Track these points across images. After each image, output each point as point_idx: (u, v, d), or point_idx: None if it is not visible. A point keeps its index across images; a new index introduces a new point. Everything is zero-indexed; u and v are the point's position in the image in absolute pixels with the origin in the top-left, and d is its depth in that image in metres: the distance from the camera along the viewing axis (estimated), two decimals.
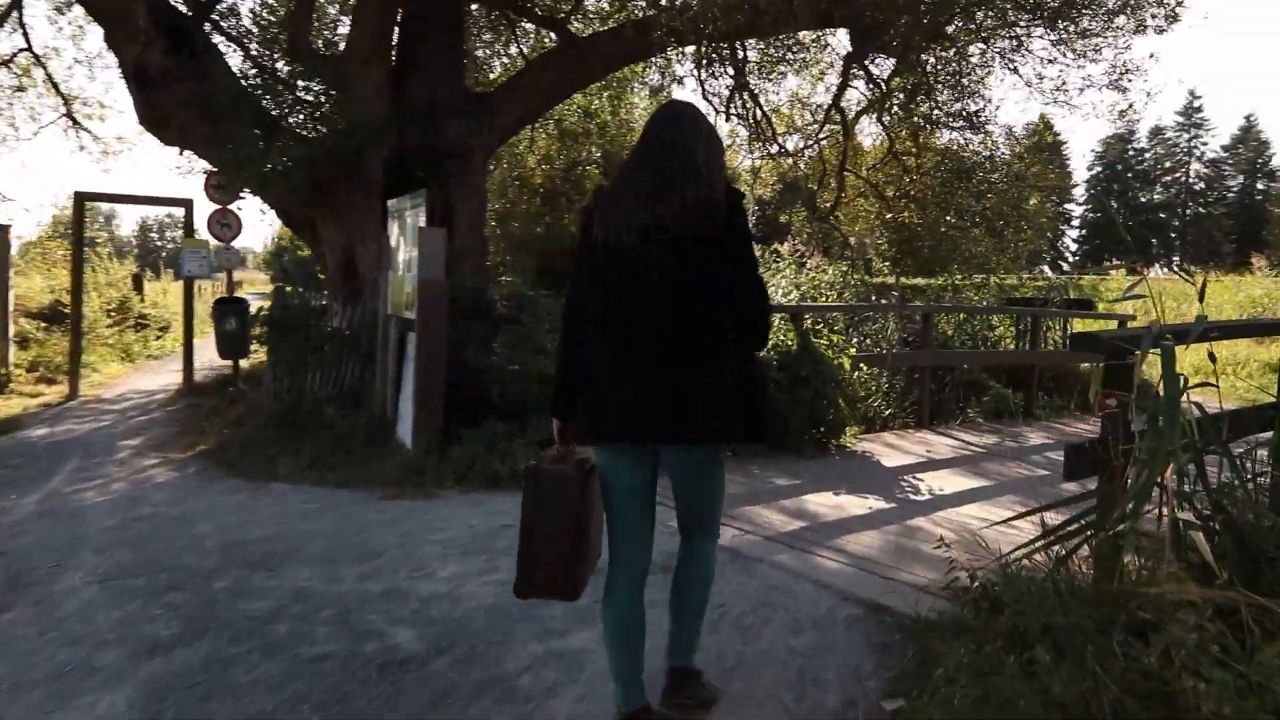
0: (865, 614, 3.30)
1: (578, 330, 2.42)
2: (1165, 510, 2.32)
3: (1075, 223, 72.36)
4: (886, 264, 16.58)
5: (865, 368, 7.60)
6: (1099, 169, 72.03)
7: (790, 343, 6.82)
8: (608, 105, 14.28)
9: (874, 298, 10.92)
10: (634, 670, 2.46)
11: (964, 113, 9.26)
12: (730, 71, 10.78)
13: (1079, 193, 72.39)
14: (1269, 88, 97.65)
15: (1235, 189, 68.25)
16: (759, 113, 13.08)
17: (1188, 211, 68.86)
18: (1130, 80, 9.18)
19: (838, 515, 4.78)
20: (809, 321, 7.70)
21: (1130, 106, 9.63)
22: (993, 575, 3.01)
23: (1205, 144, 69.51)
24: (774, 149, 13.25)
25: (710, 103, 11.36)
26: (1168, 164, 69.87)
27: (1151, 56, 9.50)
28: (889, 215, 10.83)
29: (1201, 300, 2.84)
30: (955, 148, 9.96)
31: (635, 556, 2.47)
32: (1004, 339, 10.50)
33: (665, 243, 2.28)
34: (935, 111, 9.96)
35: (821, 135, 11.39)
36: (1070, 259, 65.49)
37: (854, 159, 12.03)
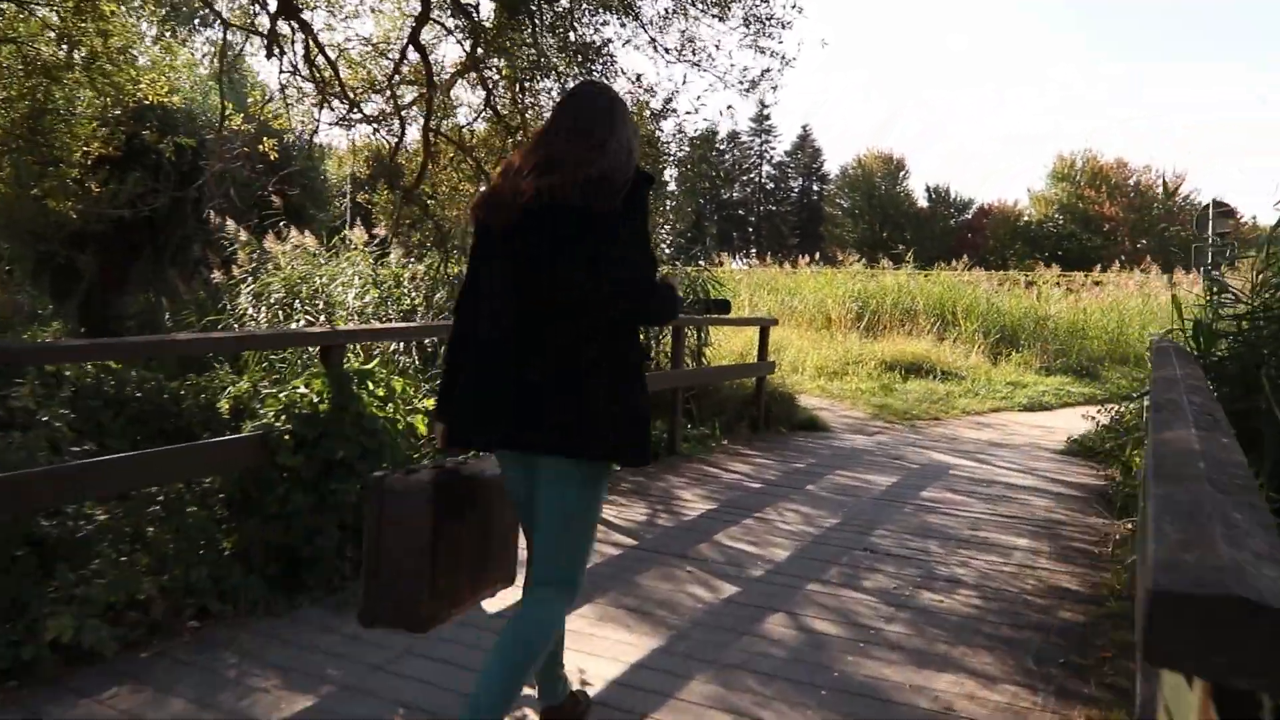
0: None
1: (465, 323, 2.31)
2: None
3: (669, 217, 77.17)
4: None
5: None
6: (688, 167, 77.16)
7: (316, 398, 3.90)
8: (95, 30, 10.06)
9: None
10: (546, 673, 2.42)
11: (579, 55, 6.94)
12: None
13: (672, 189, 77.20)
14: (817, 100, 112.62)
15: (797, 189, 77.33)
16: (321, 59, 9.81)
17: (761, 209, 76.76)
18: (771, 38, 7.56)
19: None
20: (355, 359, 4.90)
21: (765, 74, 8.05)
22: None
23: (773, 149, 77.73)
24: (346, 109, 10.07)
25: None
26: (744, 165, 77.13)
27: (795, 7, 7.96)
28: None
29: None
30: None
31: (530, 572, 2.28)
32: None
33: (551, 221, 2.13)
34: (541, 59, 7.59)
35: (398, 82, 8.52)
36: (667, 251, 69.64)
37: (447, 117, 9.33)
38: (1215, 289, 4.35)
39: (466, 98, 9.81)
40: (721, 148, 76.78)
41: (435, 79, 8.22)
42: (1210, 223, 16.24)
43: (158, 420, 5.31)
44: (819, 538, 4.78)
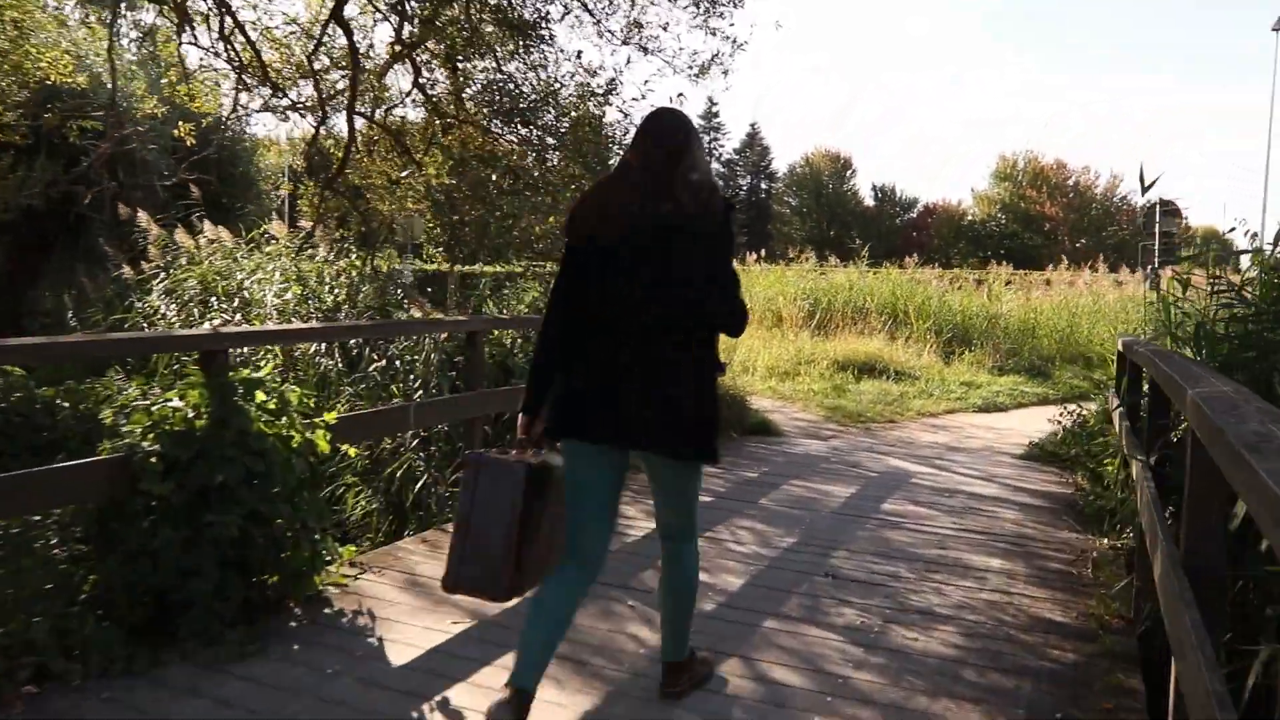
0: None
1: (557, 327, 2.49)
2: None
3: None
4: (440, 248, 13.37)
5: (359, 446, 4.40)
6: None
7: (191, 412, 3.31)
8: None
9: (410, 302, 7.69)
10: (531, 652, 2.45)
11: (517, 34, 6.40)
12: None
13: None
14: (773, 84, 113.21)
15: (745, 187, 77.40)
16: (241, 39, 9.15)
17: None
18: (722, 18, 7.11)
19: None
20: (271, 361, 4.31)
21: (715, 58, 7.60)
22: None
23: (722, 147, 77.69)
24: (270, 94, 9.40)
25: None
26: None
27: None
28: (420, 178, 7.58)
29: None
30: (505, 86, 7.11)
31: (582, 554, 2.53)
32: None
33: (655, 240, 2.36)
34: (475, 36, 7.02)
35: (324, 66, 7.87)
36: None
37: (382, 104, 8.68)
38: (1215, 287, 3.97)
39: (403, 84, 9.21)
40: None
41: (362, 60, 7.60)
42: (1157, 222, 16.27)
43: (27, 434, 4.63)
44: (775, 561, 4.32)
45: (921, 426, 9.24)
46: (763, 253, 23.50)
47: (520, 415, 2.59)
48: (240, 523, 3.22)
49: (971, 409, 10.41)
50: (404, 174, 7.61)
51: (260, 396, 3.51)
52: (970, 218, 61.16)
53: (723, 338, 2.59)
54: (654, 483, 2.64)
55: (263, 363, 5.14)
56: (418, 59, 7.88)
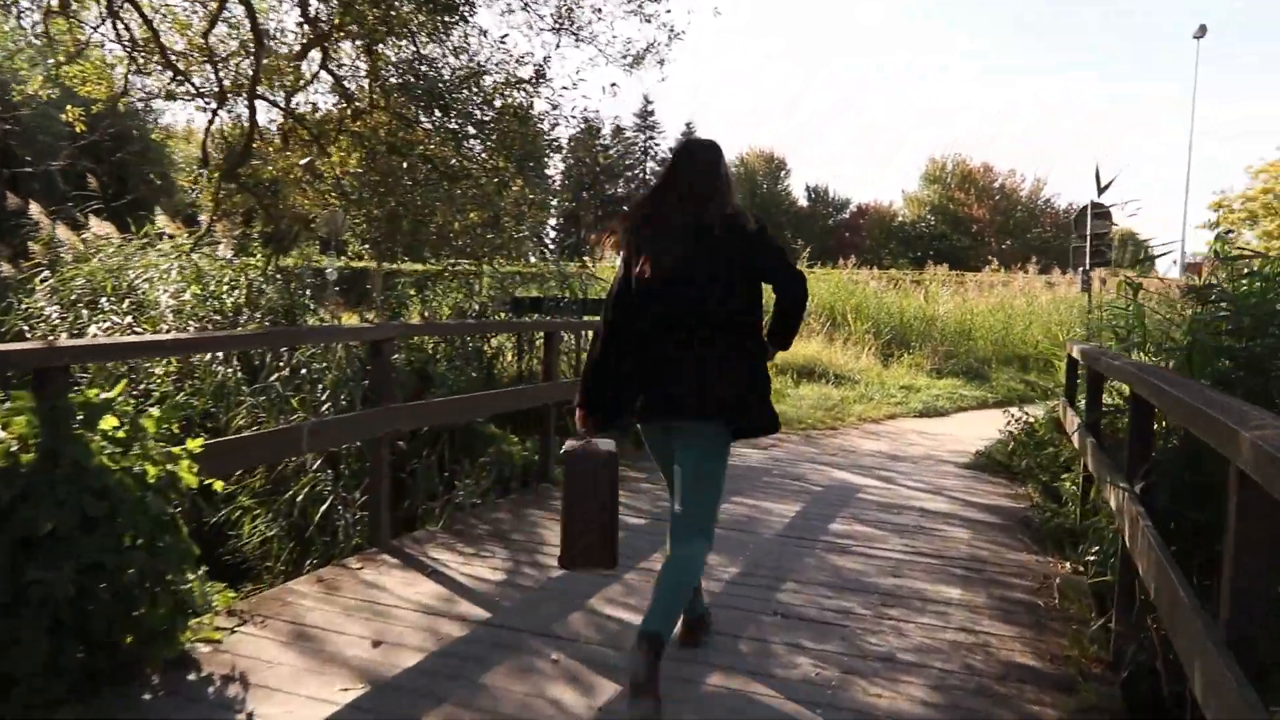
0: None
1: (618, 333, 2.92)
2: None
3: (554, 210, 76.24)
4: (367, 246, 12.55)
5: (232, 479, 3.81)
6: (572, 161, 76.34)
7: (15, 444, 2.72)
8: None
9: (323, 304, 7.05)
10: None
11: (436, 13, 5.85)
12: None
13: (551, 173, 76.22)
14: (704, 101, 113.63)
15: None
16: (136, 16, 8.42)
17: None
18: (658, 1, 6.66)
19: None
20: (164, 369, 3.68)
21: (651, 47, 7.16)
22: None
23: (658, 144, 77.53)
24: (170, 77, 8.65)
25: None
26: (628, 160, 76.62)
27: None
28: (326, 164, 6.93)
29: None
30: (422, 69, 6.52)
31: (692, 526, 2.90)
32: (506, 358, 7.42)
33: (702, 261, 2.80)
34: (392, 15, 6.43)
35: (218, 39, 7.18)
36: (550, 248, 68.31)
37: (297, 92, 7.99)
38: (1207, 296, 3.65)
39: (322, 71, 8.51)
40: (606, 142, 76.14)
41: (275, 44, 6.94)
42: (1088, 224, 16.39)
43: None
44: (719, 597, 3.89)
45: (863, 433, 8.96)
46: None
47: (578, 409, 3.05)
48: (76, 578, 2.65)
49: (912, 413, 10.19)
50: (303, 162, 6.94)
51: (109, 423, 2.93)
52: (901, 219, 62.06)
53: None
54: (681, 468, 2.89)
55: (158, 379, 4.49)
56: (332, 39, 7.26)
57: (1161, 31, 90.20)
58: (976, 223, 59.83)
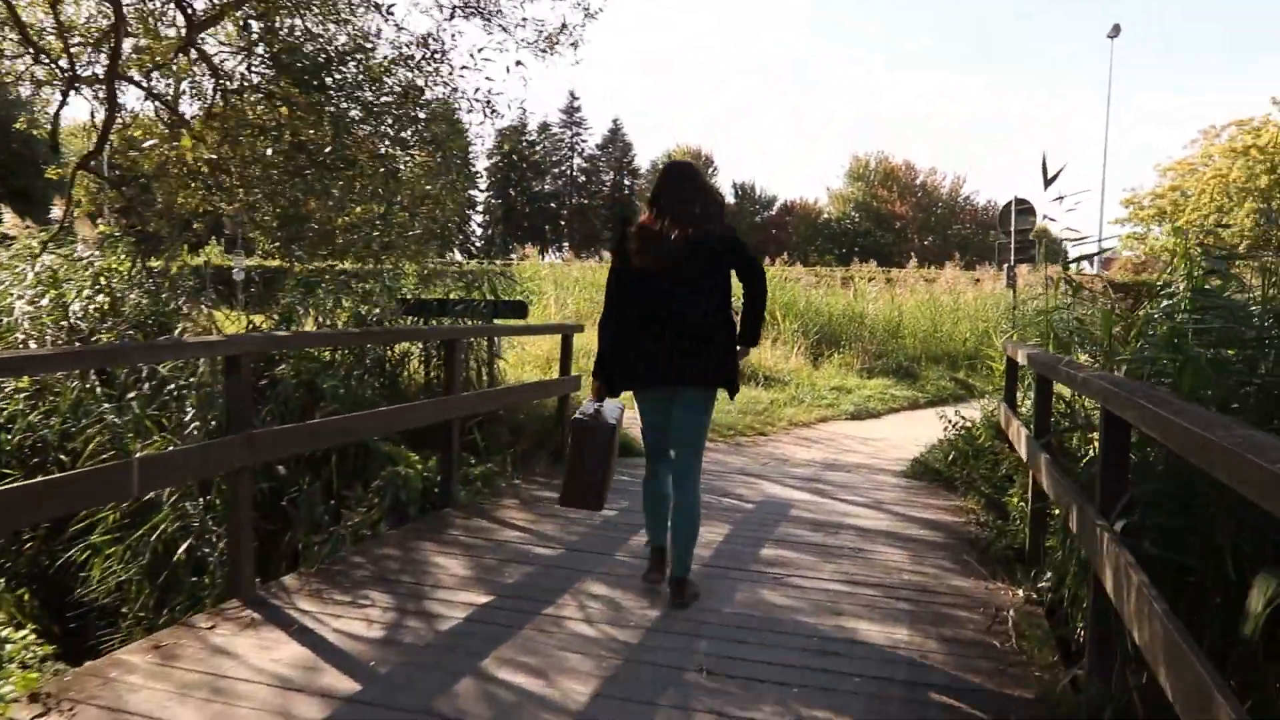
0: None
1: (616, 321, 3.74)
2: None
3: (480, 208, 74.93)
4: (276, 244, 11.56)
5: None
6: (498, 158, 75.18)
7: None
8: None
9: (189, 307, 6.27)
10: (659, 524, 3.88)
11: None
12: None
13: (481, 180, 74.97)
14: (630, 97, 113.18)
15: (608, 183, 76.70)
16: None
17: (573, 201, 75.63)
18: None
19: None
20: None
21: (565, 29, 6.58)
22: None
23: (585, 141, 76.90)
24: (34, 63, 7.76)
25: None
26: (554, 157, 75.67)
27: None
28: (189, 158, 6.11)
29: None
30: (296, 40, 5.81)
31: (659, 455, 3.86)
32: (412, 366, 6.76)
33: (687, 262, 3.59)
34: None
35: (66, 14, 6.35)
36: (477, 245, 66.93)
37: (185, 78, 7.15)
38: (1200, 302, 3.23)
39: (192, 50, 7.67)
40: (532, 138, 75.00)
41: (125, 10, 6.13)
42: (1012, 219, 16.37)
43: None
44: (634, 651, 3.35)
45: (794, 440, 8.55)
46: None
47: (594, 382, 3.83)
48: None
49: (844, 416, 9.85)
50: (171, 152, 6.15)
51: None
52: (826, 216, 62.64)
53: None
54: (674, 421, 3.74)
55: None
56: (220, 19, 6.49)
57: (1079, 31, 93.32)
58: (899, 219, 60.75)
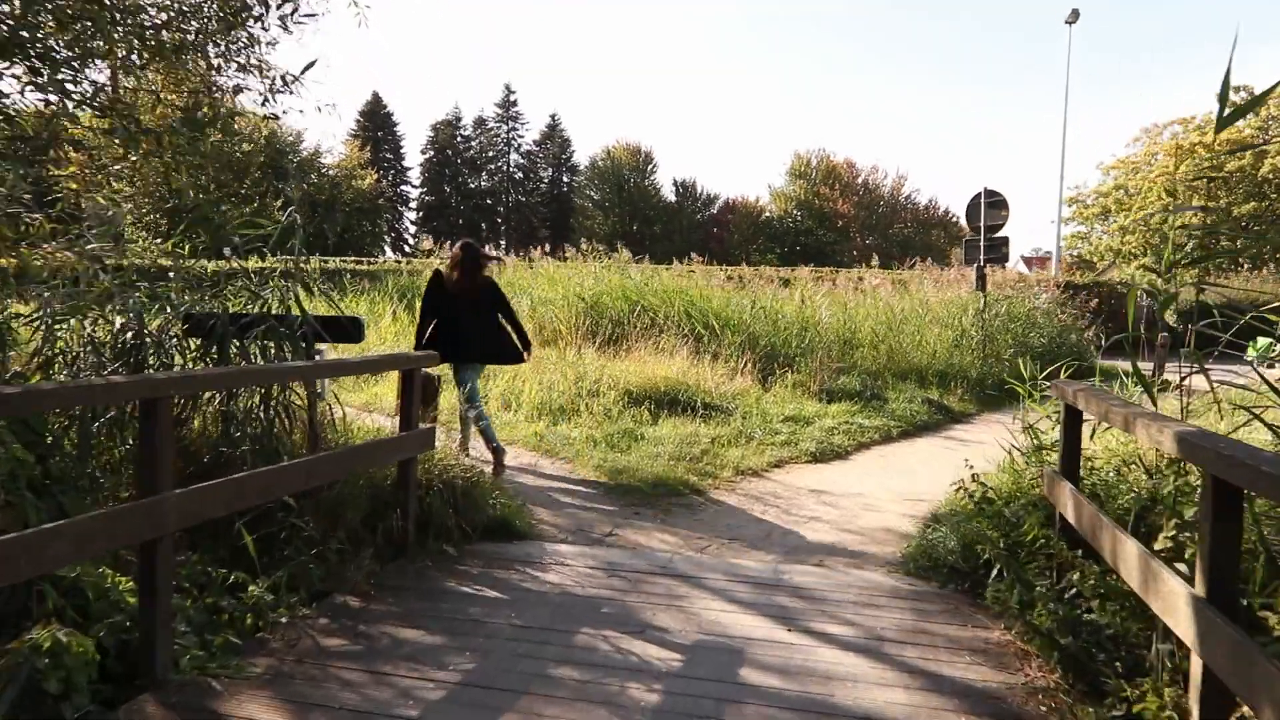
0: None
1: (428, 325, 6.34)
2: None
3: (413, 204, 71.96)
4: (159, 239, 9.02)
5: None
6: (432, 153, 72.27)
7: None
8: None
9: None
10: (489, 431, 6.74)
11: None
12: None
13: (414, 175, 72.05)
14: (570, 88, 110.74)
15: (547, 180, 74.13)
16: None
17: (510, 199, 72.90)
18: None
19: None
20: None
21: None
22: None
23: (521, 137, 74.32)
24: None
25: None
26: (490, 153, 72.87)
27: None
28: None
29: None
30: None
31: (473, 398, 6.64)
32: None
33: (478, 291, 6.69)
34: None
35: None
36: (411, 241, 63.74)
37: None
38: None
39: None
40: (467, 133, 72.03)
41: None
42: (981, 213, 14.43)
43: None
44: None
45: (743, 498, 6.42)
46: (549, 247, 20.39)
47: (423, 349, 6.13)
48: None
49: (804, 457, 7.74)
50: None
51: None
52: (768, 214, 61.00)
53: None
54: (470, 381, 6.72)
55: None
56: None
57: (1034, 28, 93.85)
58: (841, 218, 59.42)
